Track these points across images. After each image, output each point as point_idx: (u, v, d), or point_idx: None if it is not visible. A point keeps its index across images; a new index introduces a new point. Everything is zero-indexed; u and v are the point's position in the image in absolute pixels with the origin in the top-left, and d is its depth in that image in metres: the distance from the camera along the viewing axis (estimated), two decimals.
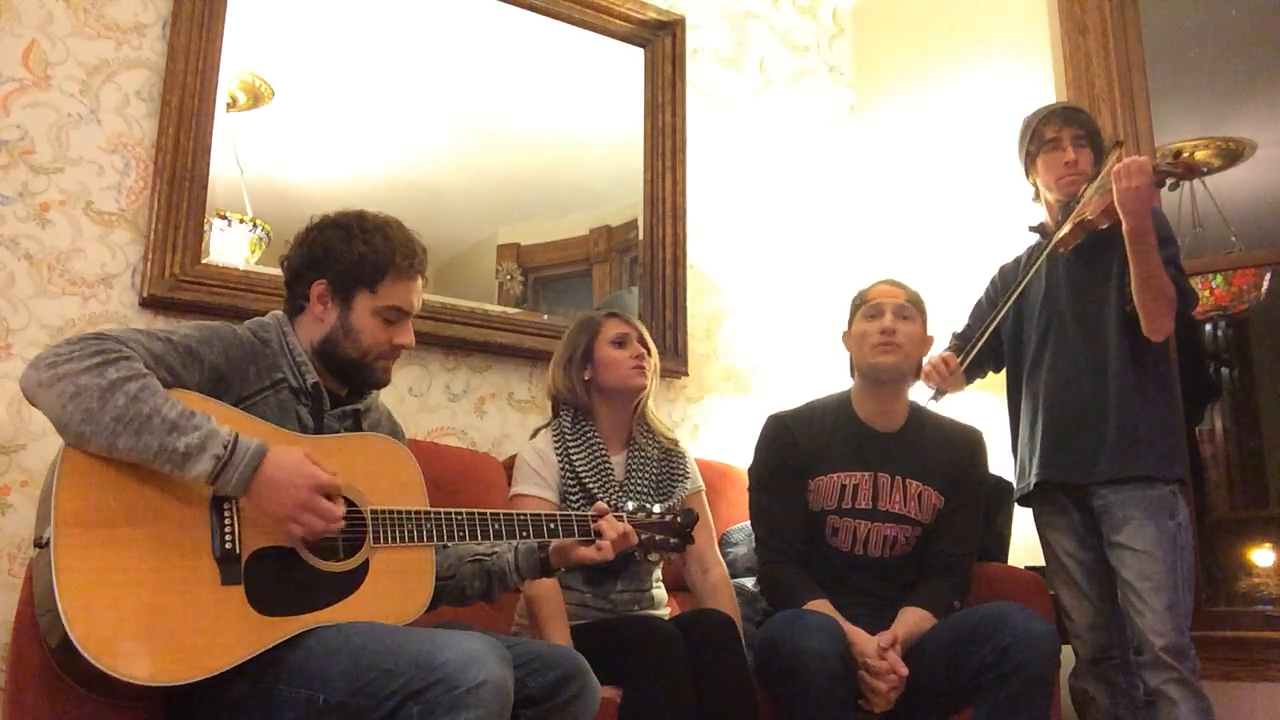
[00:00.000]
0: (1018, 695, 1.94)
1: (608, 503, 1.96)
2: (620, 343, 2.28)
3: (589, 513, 1.87)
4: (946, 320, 2.62)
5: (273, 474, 1.52)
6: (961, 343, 2.52)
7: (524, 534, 1.80)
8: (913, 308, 2.33)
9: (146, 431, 1.45)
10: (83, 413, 1.44)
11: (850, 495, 2.28)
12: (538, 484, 2.18)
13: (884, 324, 2.28)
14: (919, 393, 2.42)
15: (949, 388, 2.42)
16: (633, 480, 2.24)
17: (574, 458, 2.21)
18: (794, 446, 2.32)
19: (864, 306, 2.35)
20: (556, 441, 2.24)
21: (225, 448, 1.49)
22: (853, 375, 2.40)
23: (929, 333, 2.37)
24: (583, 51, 3.18)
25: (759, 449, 2.38)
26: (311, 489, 1.54)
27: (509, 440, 2.82)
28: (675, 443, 2.35)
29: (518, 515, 1.80)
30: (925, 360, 2.40)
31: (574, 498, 2.18)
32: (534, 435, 2.33)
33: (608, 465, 2.24)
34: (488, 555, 1.89)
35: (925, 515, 2.30)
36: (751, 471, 2.40)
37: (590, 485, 2.18)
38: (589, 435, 2.25)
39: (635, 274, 3.16)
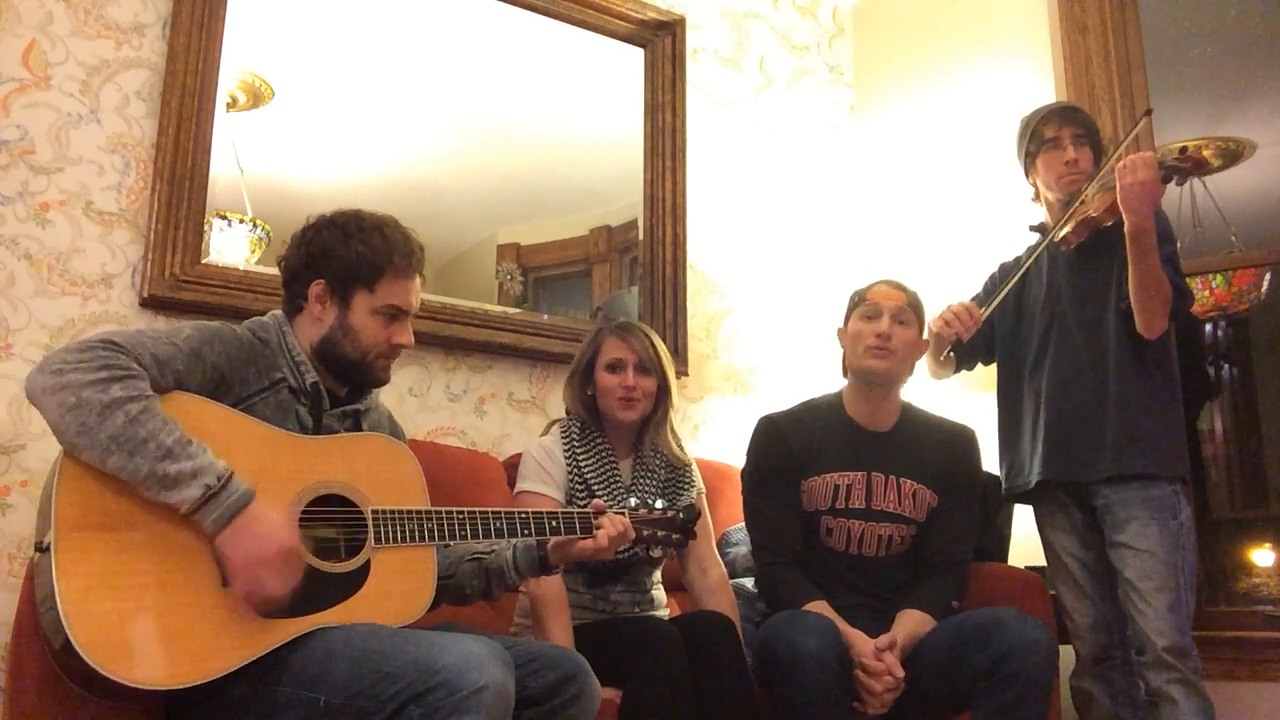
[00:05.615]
0: (1014, 701, 1.93)
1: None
2: (613, 368, 2.23)
3: (589, 510, 1.86)
4: None
5: (253, 519, 1.50)
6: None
7: (525, 532, 1.80)
8: (910, 312, 2.31)
9: (139, 454, 1.44)
10: (79, 425, 1.44)
11: (844, 495, 2.27)
12: (544, 481, 2.17)
13: (880, 327, 2.27)
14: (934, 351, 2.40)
15: (966, 337, 2.36)
16: (638, 486, 2.23)
17: (581, 461, 2.20)
18: (786, 448, 2.31)
19: (861, 305, 2.34)
20: (565, 443, 2.23)
21: (218, 479, 1.48)
22: (845, 374, 2.39)
23: (924, 336, 2.35)
24: (583, 51, 3.18)
25: (751, 451, 2.37)
26: (284, 549, 1.52)
27: (509, 440, 2.82)
28: (686, 464, 2.32)
29: (519, 513, 1.80)
30: (945, 307, 2.35)
31: (580, 499, 2.17)
32: (545, 431, 2.32)
33: (615, 470, 2.23)
34: (486, 553, 1.88)
35: (919, 513, 2.29)
36: (744, 474, 2.39)
37: (597, 489, 2.18)
38: (597, 442, 2.25)
39: (635, 274, 3.16)
